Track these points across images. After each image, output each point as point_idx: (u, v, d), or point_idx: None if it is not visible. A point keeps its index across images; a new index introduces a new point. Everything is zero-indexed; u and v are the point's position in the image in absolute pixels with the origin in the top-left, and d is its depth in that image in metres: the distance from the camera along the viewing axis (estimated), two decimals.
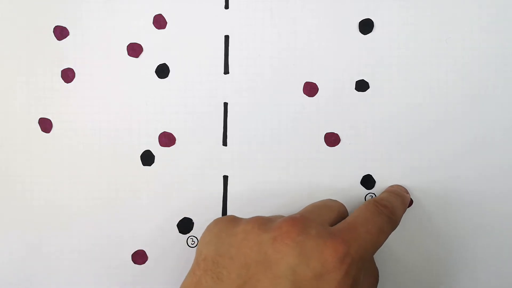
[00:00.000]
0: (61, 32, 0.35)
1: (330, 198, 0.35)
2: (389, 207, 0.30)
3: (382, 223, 0.29)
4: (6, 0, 0.34)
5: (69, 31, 0.35)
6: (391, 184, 0.36)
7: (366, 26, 0.35)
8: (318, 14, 0.34)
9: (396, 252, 0.37)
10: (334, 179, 0.36)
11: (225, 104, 0.35)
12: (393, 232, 0.36)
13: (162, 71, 0.35)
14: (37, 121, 0.35)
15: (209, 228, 0.29)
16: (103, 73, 0.35)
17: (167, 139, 0.36)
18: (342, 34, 0.35)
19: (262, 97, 0.35)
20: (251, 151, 0.36)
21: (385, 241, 0.29)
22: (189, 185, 0.36)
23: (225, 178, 0.36)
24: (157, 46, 0.35)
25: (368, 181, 0.36)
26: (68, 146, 0.36)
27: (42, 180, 0.36)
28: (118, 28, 0.35)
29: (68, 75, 0.35)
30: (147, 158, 0.36)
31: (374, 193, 0.36)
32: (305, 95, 0.35)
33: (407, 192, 0.35)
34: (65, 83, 0.35)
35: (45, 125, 0.36)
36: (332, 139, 0.36)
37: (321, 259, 0.25)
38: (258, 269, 0.25)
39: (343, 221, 0.28)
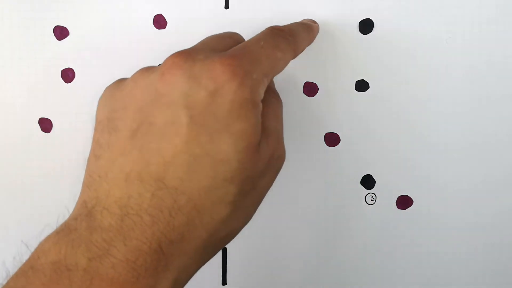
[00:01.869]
0: (61, 32, 0.35)
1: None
2: (286, 30, 0.28)
3: (277, 41, 0.27)
4: (6, 0, 0.34)
5: (69, 31, 0.35)
6: (389, 184, 0.36)
7: (366, 26, 0.35)
8: (318, 14, 0.34)
9: (395, 251, 0.37)
10: (334, 179, 0.36)
11: None
12: (393, 231, 0.36)
13: None
14: (37, 121, 0.35)
15: (101, 95, 0.28)
16: (103, 73, 0.35)
17: None
18: (342, 34, 0.35)
19: None
20: None
21: (286, 61, 0.28)
22: None
23: None
24: (157, 46, 0.35)
25: (368, 181, 0.36)
26: (68, 146, 0.36)
27: (42, 180, 0.36)
28: (118, 28, 0.35)
29: (68, 75, 0.35)
30: None
31: (374, 193, 0.36)
32: (305, 95, 0.35)
33: (315, 22, 0.34)
34: (65, 83, 0.35)
35: (45, 125, 0.36)
36: (332, 139, 0.36)
37: (213, 76, 0.23)
38: (152, 107, 0.24)
39: (236, 45, 0.27)
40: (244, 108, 0.24)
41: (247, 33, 0.35)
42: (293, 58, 0.29)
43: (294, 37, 0.29)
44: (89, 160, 0.26)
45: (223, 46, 0.27)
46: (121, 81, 0.27)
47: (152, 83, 0.25)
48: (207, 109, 0.23)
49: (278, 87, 0.35)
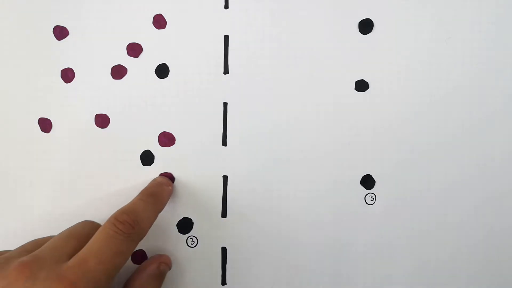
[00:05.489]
0: (61, 32, 0.35)
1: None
2: (129, 221, 0.29)
3: (117, 246, 0.28)
4: (6, 0, 0.34)
5: (69, 31, 0.35)
6: (389, 184, 0.36)
7: (366, 26, 0.35)
8: (318, 14, 0.34)
9: (395, 251, 0.37)
10: (334, 179, 0.36)
11: (225, 104, 0.35)
12: (393, 231, 0.36)
13: (162, 71, 0.35)
14: (37, 121, 0.36)
15: None
16: (103, 73, 0.35)
17: (167, 139, 0.36)
18: (342, 34, 0.35)
19: (262, 97, 0.35)
20: (251, 151, 0.36)
21: (127, 257, 0.29)
22: (189, 185, 0.36)
23: (225, 178, 0.36)
24: (157, 46, 0.35)
25: (368, 181, 0.36)
26: (68, 146, 0.36)
27: (42, 180, 0.36)
28: (118, 28, 0.35)
29: (68, 75, 0.35)
30: (147, 158, 0.36)
31: (374, 193, 0.36)
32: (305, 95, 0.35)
33: (169, 184, 0.35)
34: (65, 83, 0.35)
35: (45, 125, 0.36)
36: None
37: None
38: None
39: (77, 254, 0.28)
40: None
41: (247, 33, 0.35)
42: (140, 240, 0.30)
43: (137, 227, 0.30)
44: None
45: (71, 249, 0.28)
46: None
47: None
48: None
49: (278, 87, 0.35)
